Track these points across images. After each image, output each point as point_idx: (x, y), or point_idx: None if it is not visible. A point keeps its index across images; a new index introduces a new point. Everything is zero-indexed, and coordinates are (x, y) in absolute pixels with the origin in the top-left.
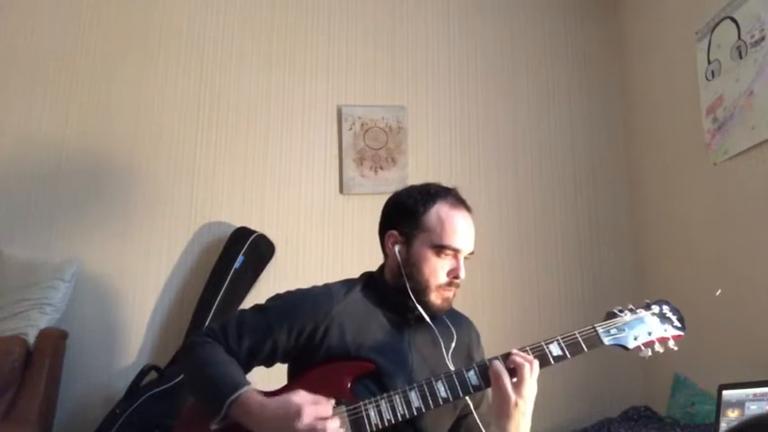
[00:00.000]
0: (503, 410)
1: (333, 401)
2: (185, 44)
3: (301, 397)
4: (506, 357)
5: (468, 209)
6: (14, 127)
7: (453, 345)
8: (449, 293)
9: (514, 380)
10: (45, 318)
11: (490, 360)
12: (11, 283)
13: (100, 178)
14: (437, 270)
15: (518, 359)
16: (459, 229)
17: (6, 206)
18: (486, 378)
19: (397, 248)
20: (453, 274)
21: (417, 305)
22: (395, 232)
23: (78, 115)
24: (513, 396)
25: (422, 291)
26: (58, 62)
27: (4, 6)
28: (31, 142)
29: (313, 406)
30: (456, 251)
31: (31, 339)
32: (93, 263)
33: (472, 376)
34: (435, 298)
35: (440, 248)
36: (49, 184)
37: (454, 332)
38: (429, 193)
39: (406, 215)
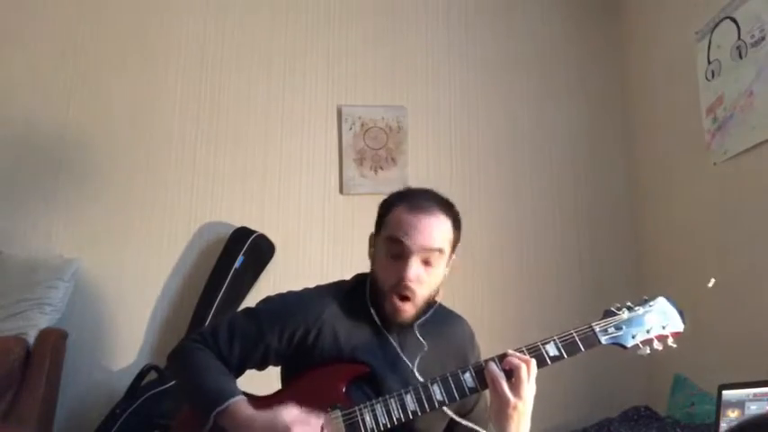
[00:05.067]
0: (501, 412)
1: (322, 421)
2: (185, 44)
3: (291, 414)
4: (502, 358)
5: (429, 210)
6: (14, 127)
7: (421, 356)
8: (399, 303)
9: (512, 380)
10: (45, 318)
11: (486, 362)
12: (11, 283)
13: (100, 178)
14: (388, 271)
15: (514, 360)
16: (411, 225)
17: (6, 206)
18: (482, 380)
19: (369, 252)
20: (398, 275)
21: (372, 311)
22: (372, 236)
23: (78, 115)
24: (511, 398)
25: (380, 295)
26: (59, 62)
27: (4, 7)
28: (31, 142)
29: (301, 426)
30: (402, 246)
31: (31, 339)
32: (93, 263)
33: (468, 378)
34: (388, 306)
35: (387, 243)
36: (48, 183)
37: (425, 344)
38: (397, 195)
39: (377, 219)
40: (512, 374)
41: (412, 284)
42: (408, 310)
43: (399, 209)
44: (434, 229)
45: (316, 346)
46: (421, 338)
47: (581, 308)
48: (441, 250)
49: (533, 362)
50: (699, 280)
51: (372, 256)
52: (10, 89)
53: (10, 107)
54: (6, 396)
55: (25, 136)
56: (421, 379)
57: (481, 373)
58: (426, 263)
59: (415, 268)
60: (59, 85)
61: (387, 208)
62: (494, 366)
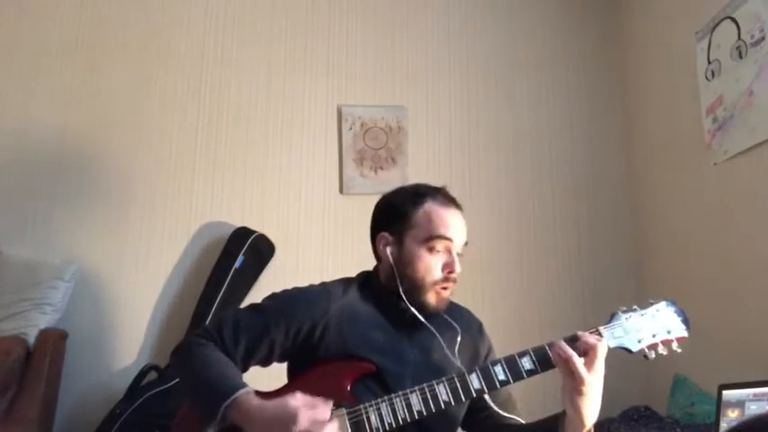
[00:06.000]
0: (576, 390)
1: (331, 403)
2: (186, 44)
3: (298, 400)
4: (570, 340)
5: (458, 206)
6: (14, 127)
7: (459, 340)
8: (445, 292)
9: (585, 360)
10: (45, 318)
11: (551, 343)
12: (11, 283)
13: (100, 178)
14: (431, 267)
15: (590, 339)
16: (450, 221)
17: (7, 206)
18: (544, 363)
19: (388, 250)
20: (448, 268)
21: (410, 307)
22: (385, 234)
23: (78, 114)
24: (586, 376)
25: (417, 291)
26: (58, 62)
27: (3, 7)
28: (31, 142)
29: (310, 410)
30: (448, 241)
31: (31, 339)
32: (94, 263)
33: (526, 361)
34: (431, 297)
35: (431, 241)
36: (49, 184)
37: (458, 328)
38: (418, 193)
39: (394, 216)
40: (584, 353)
41: (456, 275)
42: (449, 296)
43: (430, 205)
44: (464, 223)
45: (322, 343)
46: (456, 325)
47: (581, 307)
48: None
49: (605, 341)
50: (699, 279)
51: (395, 255)
52: (9, 89)
53: (9, 107)
54: (6, 396)
55: (25, 136)
56: (461, 367)
57: (544, 356)
58: (458, 254)
59: (458, 260)
60: (59, 84)
61: (409, 205)
62: (566, 346)
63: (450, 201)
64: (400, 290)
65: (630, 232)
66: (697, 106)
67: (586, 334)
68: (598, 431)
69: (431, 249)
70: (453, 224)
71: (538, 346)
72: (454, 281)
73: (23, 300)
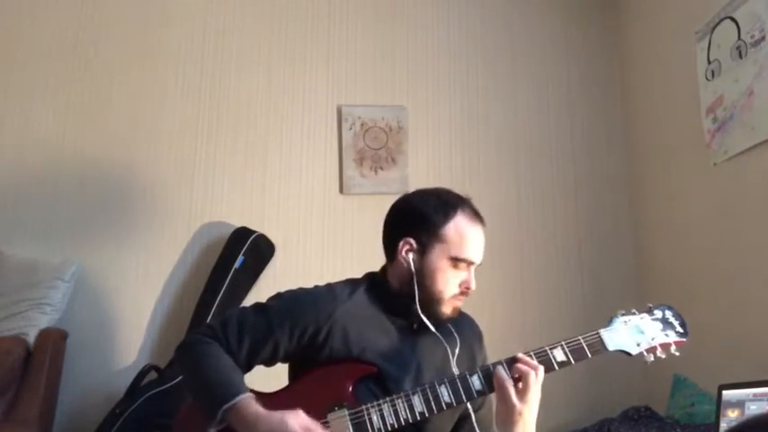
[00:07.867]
0: (507, 417)
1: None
2: (185, 45)
3: (298, 420)
4: (511, 363)
5: (482, 221)
6: (14, 127)
7: (457, 351)
8: (459, 303)
9: (519, 386)
10: (45, 318)
11: (494, 365)
12: (11, 283)
13: (100, 178)
14: (450, 281)
15: (523, 367)
16: (477, 242)
17: (7, 206)
18: (490, 383)
19: (411, 257)
20: (465, 284)
21: (422, 314)
22: (411, 240)
23: (78, 114)
24: (517, 404)
25: (433, 301)
26: (58, 62)
27: (3, 7)
28: (31, 142)
29: None
30: (471, 263)
31: (31, 339)
32: (93, 263)
33: (476, 380)
34: (446, 308)
35: (456, 261)
36: (49, 183)
37: (458, 338)
38: (447, 204)
39: (423, 224)
40: (519, 380)
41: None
42: (460, 306)
43: (460, 220)
44: (484, 241)
45: (326, 345)
46: (456, 336)
47: (581, 307)
48: None
49: (541, 368)
50: (698, 279)
51: (417, 263)
52: (9, 89)
53: (10, 108)
54: (6, 396)
55: (25, 136)
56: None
57: (489, 377)
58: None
59: (473, 277)
60: (59, 85)
61: (440, 217)
62: (502, 371)
63: (477, 215)
64: (416, 297)
65: (630, 232)
66: (697, 106)
67: (524, 359)
68: None
69: (454, 266)
70: (479, 246)
71: (484, 366)
72: (467, 295)
73: (23, 300)
